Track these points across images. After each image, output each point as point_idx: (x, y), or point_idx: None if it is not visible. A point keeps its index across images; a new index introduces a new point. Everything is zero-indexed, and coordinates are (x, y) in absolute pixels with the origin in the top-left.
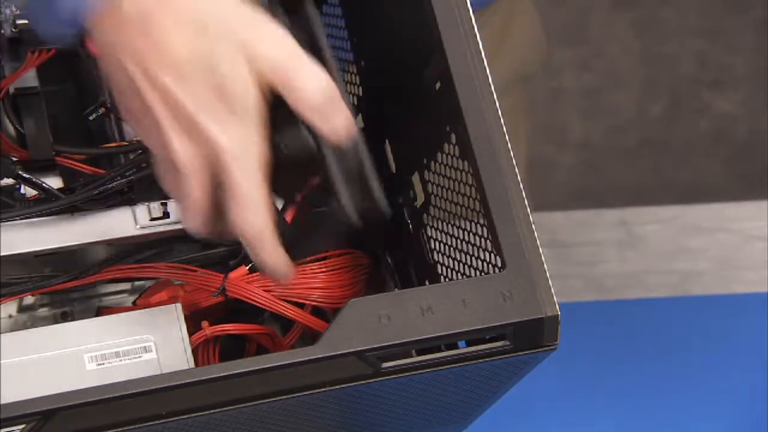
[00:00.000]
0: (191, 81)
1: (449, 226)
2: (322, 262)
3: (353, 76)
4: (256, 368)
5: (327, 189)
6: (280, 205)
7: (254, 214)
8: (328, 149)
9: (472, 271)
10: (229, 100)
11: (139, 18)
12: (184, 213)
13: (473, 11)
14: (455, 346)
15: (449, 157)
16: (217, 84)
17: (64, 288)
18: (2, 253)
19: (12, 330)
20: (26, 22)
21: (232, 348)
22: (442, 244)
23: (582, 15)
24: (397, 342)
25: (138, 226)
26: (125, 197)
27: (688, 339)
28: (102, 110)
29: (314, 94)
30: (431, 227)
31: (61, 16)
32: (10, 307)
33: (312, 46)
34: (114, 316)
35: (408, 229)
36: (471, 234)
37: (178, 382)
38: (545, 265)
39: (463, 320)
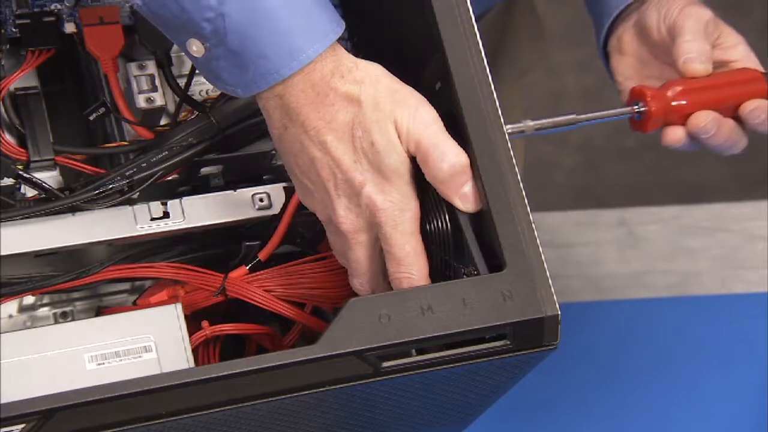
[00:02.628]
0: (349, 143)
1: None
2: (322, 262)
3: None
4: (256, 368)
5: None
6: None
7: (412, 271)
8: (463, 216)
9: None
10: (383, 169)
11: (311, 90)
12: (351, 275)
13: (475, 13)
14: (455, 346)
15: None
16: (372, 152)
17: (64, 288)
18: (2, 253)
19: (12, 330)
20: (27, 21)
21: (232, 348)
22: None
23: (582, 15)
24: (397, 342)
25: (138, 226)
26: (125, 197)
27: (688, 339)
28: (102, 110)
29: (443, 170)
30: None
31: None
32: (10, 307)
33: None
34: (114, 316)
35: None
36: None
37: (178, 382)
38: (545, 265)
39: (463, 320)
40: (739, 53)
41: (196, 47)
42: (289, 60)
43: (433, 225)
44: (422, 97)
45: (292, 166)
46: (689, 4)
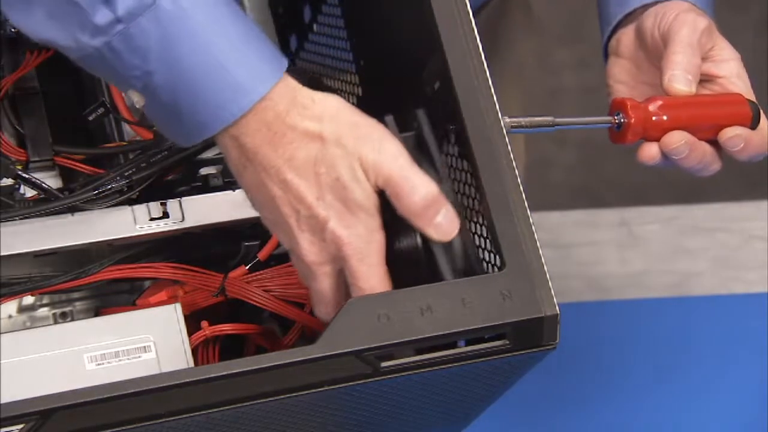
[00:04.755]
0: (312, 180)
1: None
2: None
3: (353, 76)
4: (255, 368)
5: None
6: None
7: None
8: (436, 245)
9: None
10: (348, 203)
11: (267, 129)
12: (314, 303)
13: (472, 7)
14: (454, 346)
15: (449, 157)
16: (337, 188)
17: (64, 288)
18: (2, 253)
19: (12, 330)
20: None
21: (232, 348)
22: None
23: (580, 13)
24: (396, 341)
25: (138, 226)
26: (124, 197)
27: (688, 339)
28: (101, 110)
29: (416, 204)
30: None
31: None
32: (10, 307)
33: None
34: (114, 316)
35: None
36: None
37: (178, 382)
38: (545, 265)
39: (463, 320)
40: (729, 69)
41: (136, 98)
42: (230, 106)
43: (404, 246)
44: (385, 130)
45: (254, 201)
46: (687, 10)
